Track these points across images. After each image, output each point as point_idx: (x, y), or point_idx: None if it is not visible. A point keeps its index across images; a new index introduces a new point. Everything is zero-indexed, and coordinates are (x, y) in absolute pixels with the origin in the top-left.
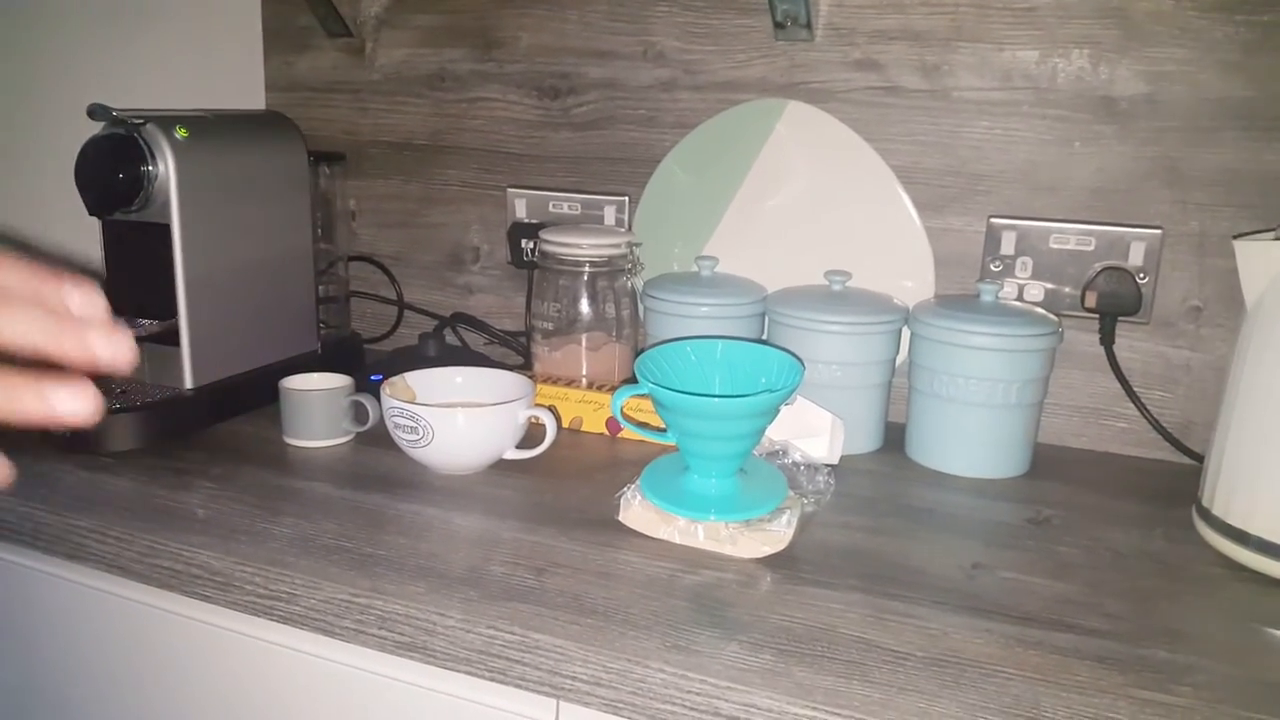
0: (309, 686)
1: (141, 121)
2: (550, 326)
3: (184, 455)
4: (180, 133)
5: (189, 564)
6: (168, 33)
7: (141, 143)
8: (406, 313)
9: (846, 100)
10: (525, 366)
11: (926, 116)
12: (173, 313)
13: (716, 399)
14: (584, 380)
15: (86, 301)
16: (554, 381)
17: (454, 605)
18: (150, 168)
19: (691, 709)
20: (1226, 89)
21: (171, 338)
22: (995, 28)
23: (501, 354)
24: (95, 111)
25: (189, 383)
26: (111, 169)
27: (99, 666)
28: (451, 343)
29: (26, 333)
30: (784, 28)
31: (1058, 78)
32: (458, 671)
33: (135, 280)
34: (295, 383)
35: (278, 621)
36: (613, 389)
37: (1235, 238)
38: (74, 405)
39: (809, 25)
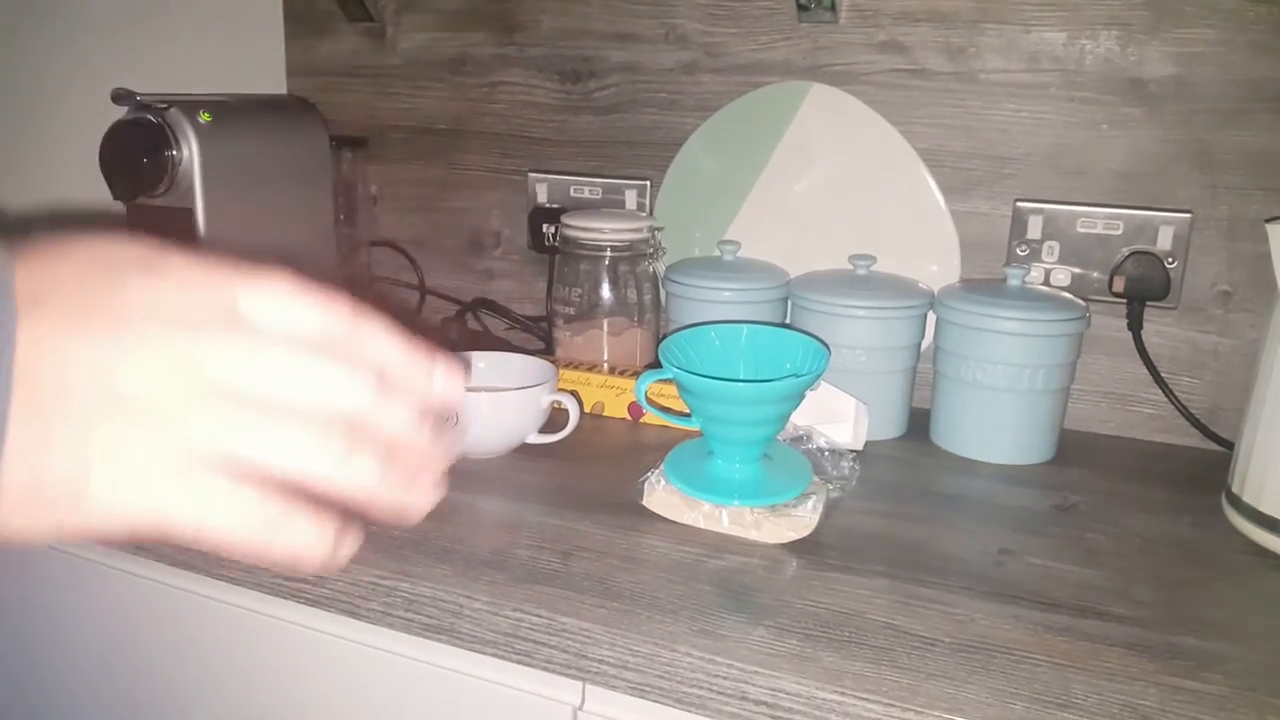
0: (335, 668)
1: (165, 106)
2: (572, 311)
3: None
4: (204, 117)
5: None
6: (189, 17)
7: (166, 128)
8: (428, 298)
9: (871, 83)
10: (546, 351)
11: (952, 99)
12: None
13: (742, 384)
14: (605, 365)
15: (446, 387)
16: (575, 366)
17: (481, 588)
18: (174, 152)
19: (719, 693)
20: (1258, 70)
21: None
22: (1022, 9)
23: (522, 339)
24: (120, 96)
25: None
26: (136, 154)
27: (125, 648)
28: (472, 328)
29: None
30: (808, 9)
31: (1085, 59)
32: (484, 654)
33: None
34: None
35: (304, 603)
36: (635, 374)
37: (1268, 221)
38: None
39: (833, 7)
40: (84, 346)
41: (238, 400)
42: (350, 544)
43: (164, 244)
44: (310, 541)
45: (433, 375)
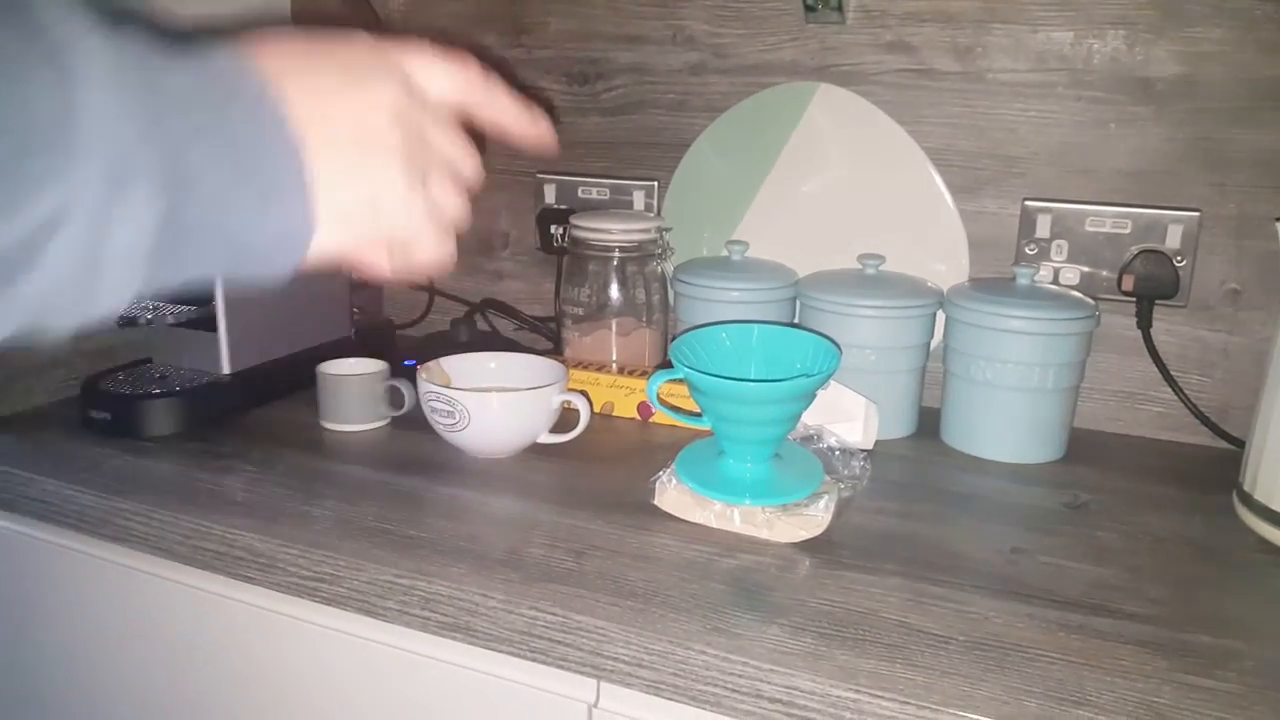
0: (352, 667)
1: None
2: (580, 312)
3: (223, 440)
4: None
5: (233, 546)
6: (197, 20)
7: None
8: (436, 299)
9: (878, 83)
10: (555, 352)
11: (960, 99)
12: (210, 298)
13: (754, 384)
14: (614, 365)
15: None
16: (585, 366)
17: (496, 586)
18: None
19: (734, 690)
20: (1266, 69)
21: (209, 323)
22: (1029, 9)
23: (530, 339)
24: None
25: (226, 368)
26: None
27: (142, 647)
28: (481, 328)
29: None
30: (815, 10)
31: (1093, 59)
32: (500, 651)
33: None
34: (332, 368)
35: (321, 603)
36: (644, 374)
37: (1278, 219)
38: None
39: (840, 8)
40: (337, 97)
41: (435, 146)
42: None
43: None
44: (447, 251)
45: (536, 124)
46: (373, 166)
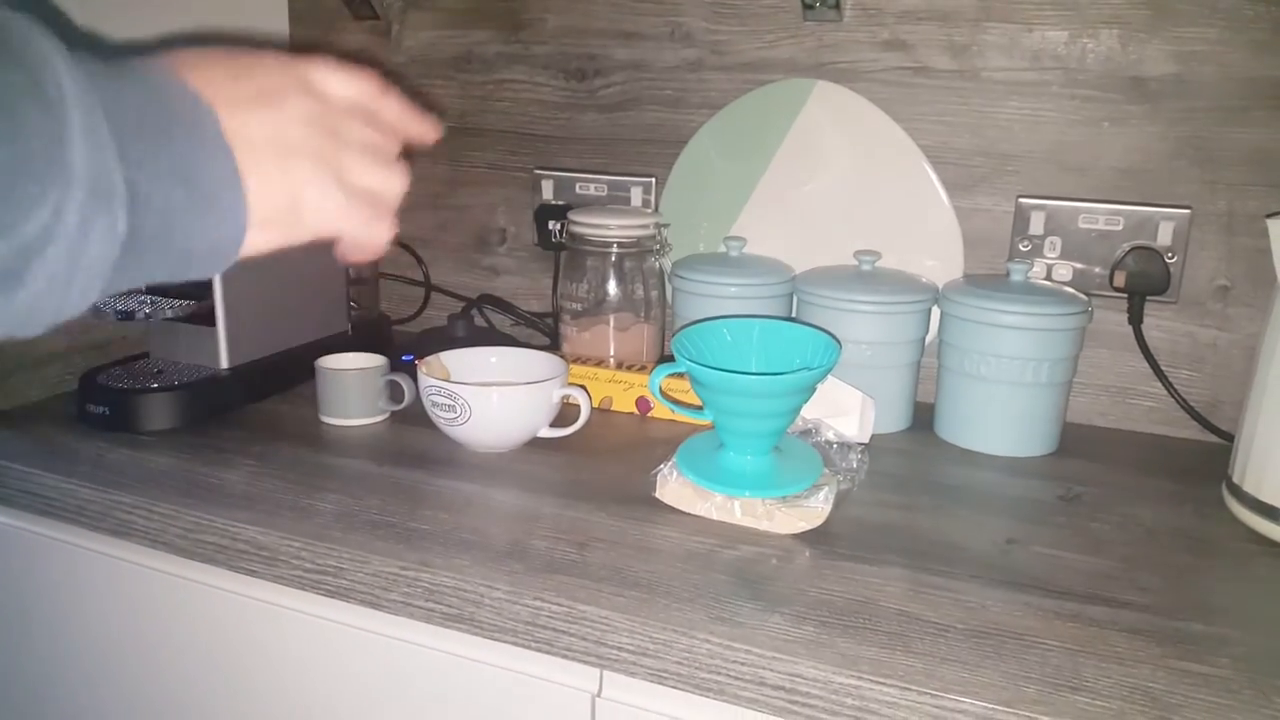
0: (356, 659)
1: None
2: (579, 307)
3: (222, 434)
4: None
5: (235, 539)
6: (192, 15)
7: None
8: (433, 294)
9: (875, 80)
10: (552, 347)
11: (955, 97)
12: (208, 293)
13: (756, 377)
14: (612, 360)
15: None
16: (583, 362)
17: (500, 577)
18: None
19: (737, 678)
20: (1257, 68)
21: (207, 318)
22: (1024, 8)
23: (527, 335)
24: None
25: (224, 362)
26: None
27: (142, 642)
28: (479, 324)
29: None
30: (812, 8)
31: (1087, 58)
32: (504, 642)
33: None
34: (331, 362)
35: (325, 595)
36: (642, 369)
37: (1268, 216)
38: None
39: (837, 5)
40: (255, 118)
41: (348, 143)
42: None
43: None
44: (381, 234)
45: (423, 121)
46: (292, 172)
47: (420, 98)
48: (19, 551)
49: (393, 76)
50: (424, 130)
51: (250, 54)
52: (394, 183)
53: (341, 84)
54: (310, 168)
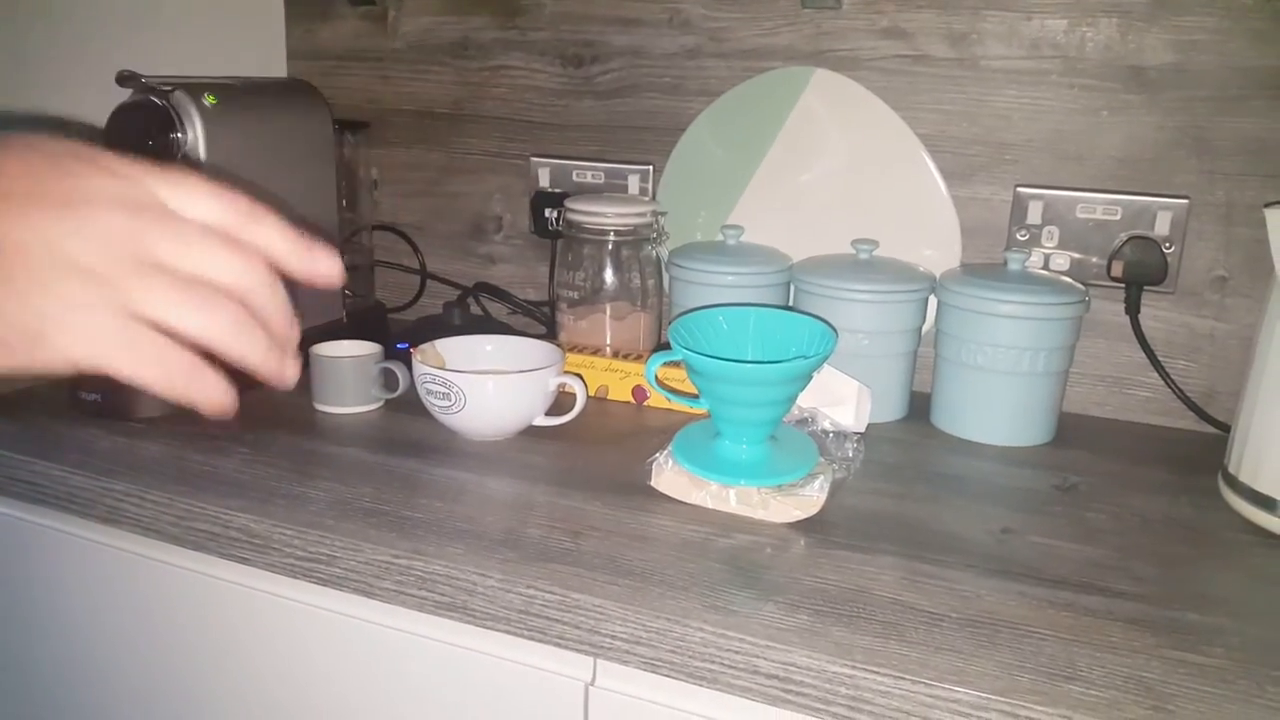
0: (349, 647)
1: (170, 89)
2: (575, 295)
3: (214, 421)
4: (209, 100)
5: (227, 527)
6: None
7: (171, 110)
8: (429, 282)
9: (874, 68)
10: (548, 336)
11: (954, 85)
12: None
13: (753, 365)
14: (609, 349)
15: (326, 267)
16: (579, 350)
17: (493, 566)
18: (179, 135)
19: (731, 667)
20: (1256, 58)
21: None
22: None
23: (523, 323)
24: (125, 78)
25: None
26: (141, 136)
27: (134, 629)
28: (474, 312)
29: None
30: None
31: (1086, 46)
32: (497, 630)
33: None
34: (326, 349)
35: (317, 583)
36: (638, 358)
37: (1266, 206)
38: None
39: None
40: (40, 222)
41: (164, 272)
42: (233, 397)
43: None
44: (212, 391)
45: (314, 257)
46: (53, 290)
47: (318, 230)
48: (9, 538)
49: (386, 63)
50: (310, 265)
51: (93, 154)
52: (227, 329)
53: (196, 203)
54: (81, 290)
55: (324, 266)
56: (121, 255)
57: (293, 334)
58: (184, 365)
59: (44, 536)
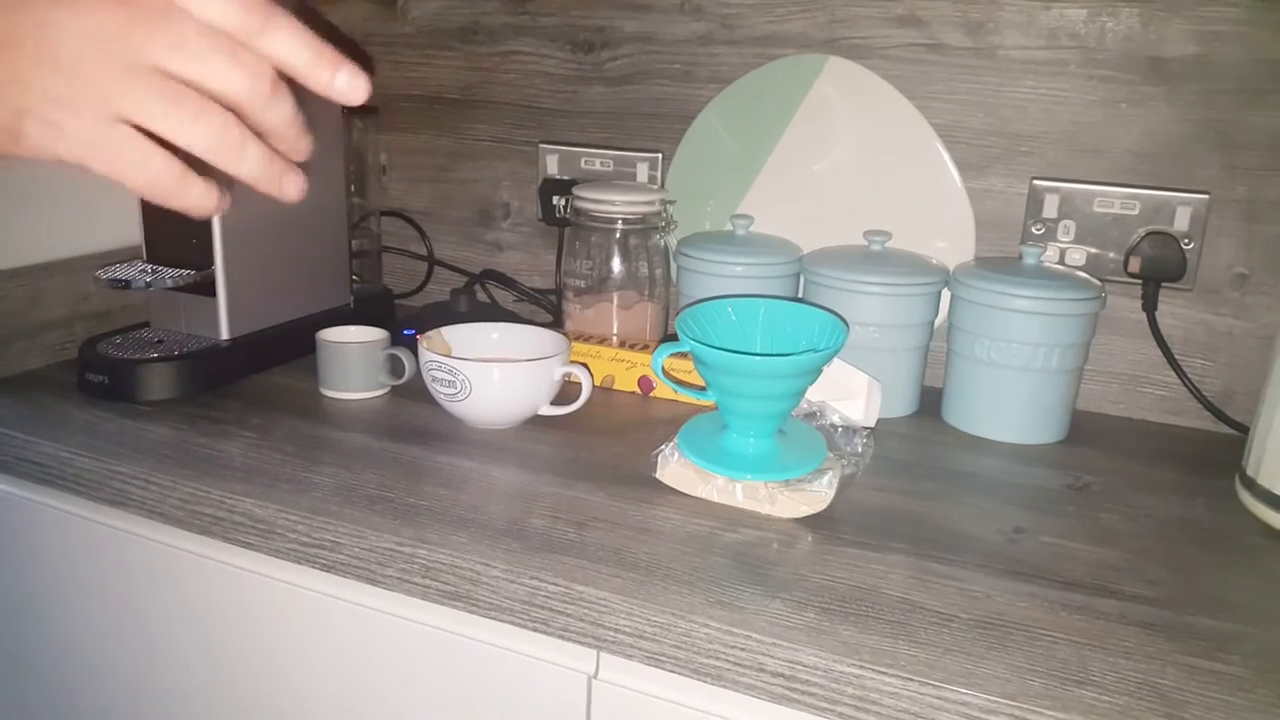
0: (351, 634)
1: None
2: (582, 284)
3: (221, 405)
4: None
5: (232, 511)
6: None
7: None
8: (436, 269)
9: (888, 57)
10: (555, 324)
11: (970, 75)
12: (209, 263)
13: (762, 357)
14: (615, 339)
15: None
16: (585, 339)
17: (498, 555)
18: None
19: (736, 664)
20: None
21: (208, 288)
22: None
23: (530, 311)
24: None
25: (225, 333)
26: None
27: (138, 611)
28: (481, 299)
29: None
30: None
31: (1106, 37)
32: (500, 621)
33: (173, 231)
34: (332, 335)
35: (321, 569)
36: (645, 348)
37: None
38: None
39: None
40: (31, 14)
41: (155, 75)
42: (224, 200)
43: None
44: (197, 198)
45: (332, 73)
46: (32, 84)
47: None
48: (15, 518)
49: (396, 47)
50: (332, 80)
51: None
52: (216, 141)
53: (206, 2)
54: (65, 88)
55: (343, 83)
56: (112, 54)
57: (300, 146)
58: (168, 172)
59: (49, 517)
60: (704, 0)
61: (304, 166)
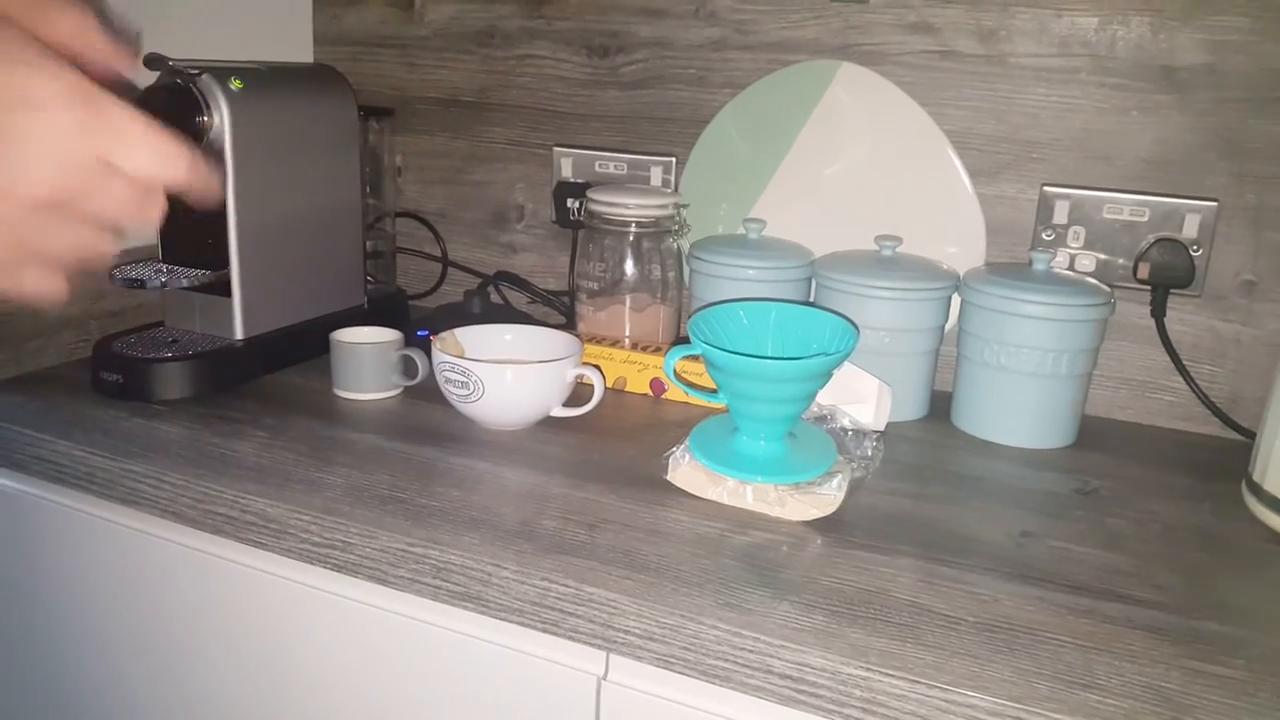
0: (362, 634)
1: (197, 72)
2: (595, 286)
3: (234, 405)
4: (235, 84)
5: (244, 511)
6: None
7: (198, 93)
8: (450, 270)
9: (900, 63)
10: (568, 326)
11: (982, 82)
12: (225, 263)
13: (773, 361)
14: (627, 341)
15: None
16: (598, 341)
17: (509, 556)
18: (206, 118)
19: (744, 665)
20: None
21: (223, 288)
22: None
23: (543, 313)
24: (152, 61)
25: (239, 333)
26: (167, 119)
27: (150, 610)
28: (495, 301)
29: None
30: None
31: (1117, 45)
32: (510, 622)
33: (188, 231)
34: (346, 335)
35: (332, 569)
36: (657, 350)
37: None
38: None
39: None
40: None
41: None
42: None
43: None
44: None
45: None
46: None
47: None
48: (29, 517)
49: (412, 50)
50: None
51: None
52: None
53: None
54: None
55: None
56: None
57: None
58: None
59: (63, 515)
60: (718, 6)
61: (322, 166)
